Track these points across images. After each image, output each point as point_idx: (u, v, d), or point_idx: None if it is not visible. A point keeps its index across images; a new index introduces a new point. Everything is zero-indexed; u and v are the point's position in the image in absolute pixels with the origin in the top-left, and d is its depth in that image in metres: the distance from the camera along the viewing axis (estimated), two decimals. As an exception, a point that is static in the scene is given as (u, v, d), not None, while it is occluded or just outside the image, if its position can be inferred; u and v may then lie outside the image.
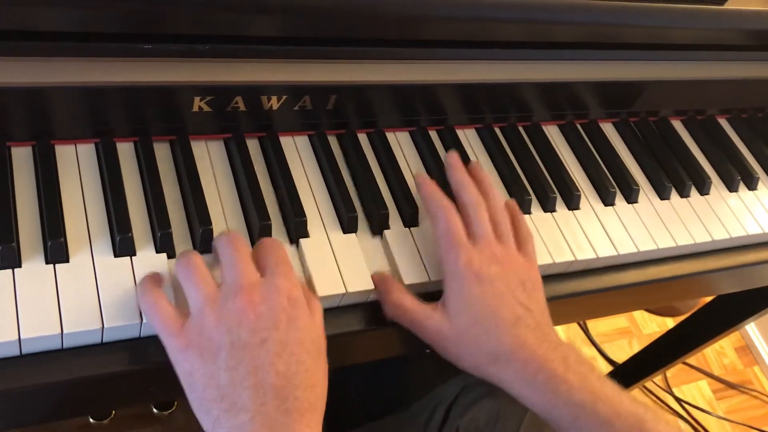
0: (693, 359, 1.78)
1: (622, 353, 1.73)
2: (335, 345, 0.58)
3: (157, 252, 0.54)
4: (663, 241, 0.71)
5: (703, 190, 0.78)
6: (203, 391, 0.46)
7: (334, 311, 0.58)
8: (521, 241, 0.61)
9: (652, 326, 1.82)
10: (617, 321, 1.81)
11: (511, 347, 0.56)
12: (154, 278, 0.51)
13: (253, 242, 0.57)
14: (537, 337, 0.56)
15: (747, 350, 1.87)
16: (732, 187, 0.80)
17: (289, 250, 0.58)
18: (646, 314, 1.83)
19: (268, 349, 0.46)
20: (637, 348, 1.72)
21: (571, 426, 0.55)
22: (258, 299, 0.47)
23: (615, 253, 0.68)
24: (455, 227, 0.58)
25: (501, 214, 0.61)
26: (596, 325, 1.78)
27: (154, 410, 1.06)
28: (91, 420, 1.02)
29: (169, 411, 1.05)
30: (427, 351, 0.60)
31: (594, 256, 0.67)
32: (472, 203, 0.60)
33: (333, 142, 0.67)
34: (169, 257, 0.54)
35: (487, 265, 0.57)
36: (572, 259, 0.66)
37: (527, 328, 0.56)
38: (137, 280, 0.51)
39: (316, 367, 0.49)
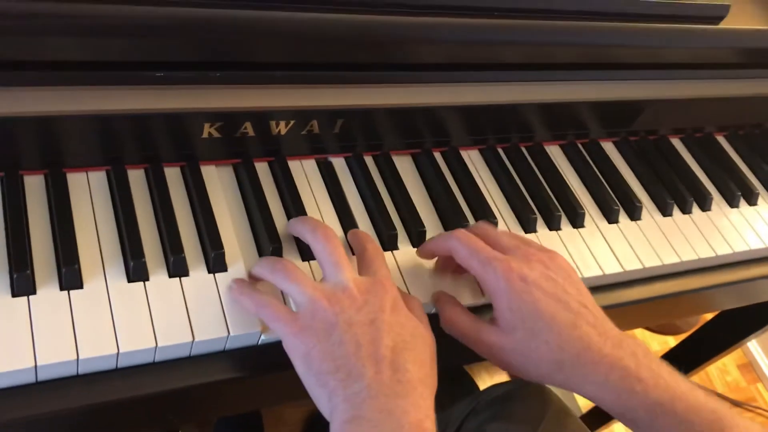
0: (696, 377, 1.77)
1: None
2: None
3: (170, 276, 0.54)
4: (667, 257, 0.71)
5: (705, 206, 0.78)
6: (320, 365, 0.48)
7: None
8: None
9: (653, 345, 1.81)
10: (619, 340, 1.80)
11: (575, 351, 0.52)
12: (247, 284, 0.54)
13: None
14: (600, 334, 0.52)
15: (750, 367, 1.87)
16: (733, 203, 0.80)
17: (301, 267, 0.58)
18: (647, 333, 1.83)
19: (377, 327, 0.49)
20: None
21: (649, 426, 0.52)
22: (364, 290, 0.51)
23: (621, 270, 0.68)
24: (477, 243, 0.56)
25: (500, 231, 0.60)
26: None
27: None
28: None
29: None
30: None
31: (600, 273, 0.67)
32: (473, 229, 0.59)
33: (341, 164, 0.68)
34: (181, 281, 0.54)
35: (528, 267, 0.54)
36: (579, 276, 0.66)
37: (588, 325, 0.52)
38: (152, 304, 0.52)
39: (423, 350, 0.50)
